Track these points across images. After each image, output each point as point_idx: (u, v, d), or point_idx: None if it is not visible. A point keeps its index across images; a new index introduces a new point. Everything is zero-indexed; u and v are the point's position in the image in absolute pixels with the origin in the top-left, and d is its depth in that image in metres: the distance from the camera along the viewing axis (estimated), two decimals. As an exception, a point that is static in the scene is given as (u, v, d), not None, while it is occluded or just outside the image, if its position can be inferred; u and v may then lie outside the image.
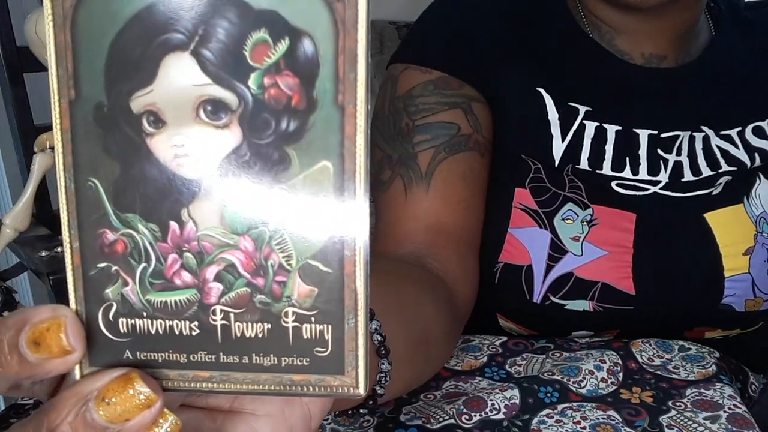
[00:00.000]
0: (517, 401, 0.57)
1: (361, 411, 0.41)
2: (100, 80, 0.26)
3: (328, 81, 0.25)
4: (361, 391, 0.27)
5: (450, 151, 0.68)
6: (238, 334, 0.27)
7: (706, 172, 0.70)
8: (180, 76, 0.25)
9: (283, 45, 0.25)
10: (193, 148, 0.26)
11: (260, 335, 0.27)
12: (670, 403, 0.56)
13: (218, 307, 0.27)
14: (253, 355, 0.27)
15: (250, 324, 0.27)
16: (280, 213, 0.26)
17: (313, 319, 0.27)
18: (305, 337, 0.27)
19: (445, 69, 0.70)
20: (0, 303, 0.68)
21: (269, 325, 0.27)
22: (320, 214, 0.26)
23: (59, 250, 1.16)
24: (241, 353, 0.27)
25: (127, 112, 0.26)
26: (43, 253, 1.16)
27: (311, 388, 0.27)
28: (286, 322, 0.27)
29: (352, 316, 0.26)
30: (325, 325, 0.27)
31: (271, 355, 0.27)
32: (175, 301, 0.27)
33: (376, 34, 1.62)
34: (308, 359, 0.27)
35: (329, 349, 0.27)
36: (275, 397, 0.29)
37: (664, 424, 0.54)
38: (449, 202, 0.67)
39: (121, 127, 0.26)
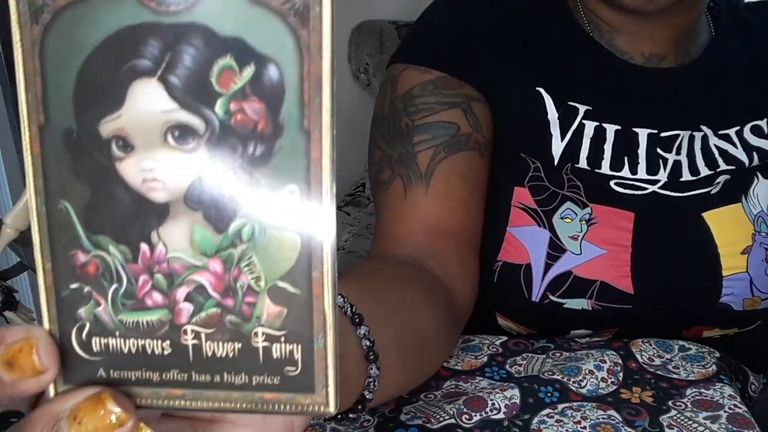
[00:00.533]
0: (518, 401, 0.57)
1: (350, 416, 0.42)
2: (69, 106, 0.26)
3: (294, 106, 0.25)
4: (332, 409, 0.27)
5: (449, 150, 0.68)
6: (209, 354, 0.27)
7: (705, 171, 0.70)
8: (148, 102, 0.26)
9: (249, 71, 0.25)
10: (162, 173, 0.26)
11: (231, 354, 0.27)
12: (670, 403, 0.56)
13: (189, 327, 0.27)
14: (225, 373, 0.27)
15: (220, 343, 0.27)
16: (248, 236, 0.26)
17: (282, 339, 0.27)
18: (275, 356, 0.27)
19: (444, 69, 0.70)
20: (0, 302, 0.68)
21: (240, 345, 0.27)
22: (287, 237, 0.26)
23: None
24: (212, 372, 0.27)
25: (96, 136, 0.26)
26: (43, 253, 1.16)
27: (282, 406, 0.27)
28: (256, 342, 0.27)
29: (321, 336, 0.27)
30: (295, 345, 0.27)
31: (242, 374, 0.27)
32: (147, 321, 0.27)
33: (376, 34, 1.62)
34: (279, 378, 0.27)
35: (299, 368, 0.27)
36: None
37: (665, 423, 0.54)
38: (449, 202, 0.67)
39: (91, 152, 0.26)
